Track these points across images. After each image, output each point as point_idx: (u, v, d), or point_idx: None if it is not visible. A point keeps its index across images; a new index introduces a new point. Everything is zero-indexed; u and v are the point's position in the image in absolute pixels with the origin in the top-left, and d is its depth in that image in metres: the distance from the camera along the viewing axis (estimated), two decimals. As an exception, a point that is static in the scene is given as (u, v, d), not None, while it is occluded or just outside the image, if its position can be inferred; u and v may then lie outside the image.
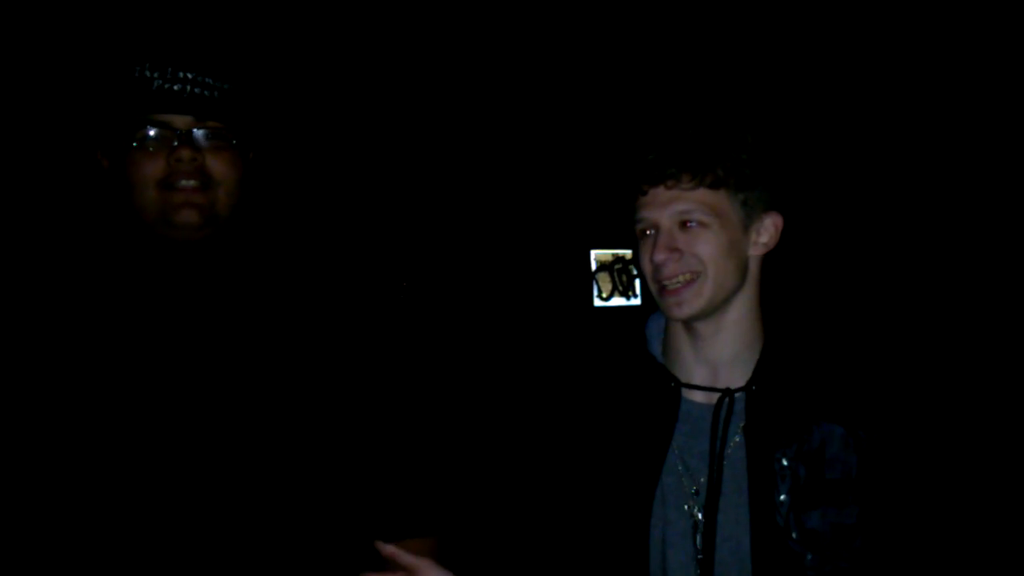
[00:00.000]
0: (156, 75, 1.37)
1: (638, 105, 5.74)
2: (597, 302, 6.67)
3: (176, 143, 1.37)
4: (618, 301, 6.69)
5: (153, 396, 1.39)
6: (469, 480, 1.72)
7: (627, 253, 6.67)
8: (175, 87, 1.37)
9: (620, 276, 6.68)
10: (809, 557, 1.36)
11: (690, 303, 1.40)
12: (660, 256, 1.39)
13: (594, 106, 6.11)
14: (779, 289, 1.53)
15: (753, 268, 1.46)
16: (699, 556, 1.38)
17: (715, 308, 1.42)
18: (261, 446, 1.42)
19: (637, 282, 6.65)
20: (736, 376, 1.44)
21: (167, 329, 1.42)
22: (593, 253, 6.68)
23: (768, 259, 1.49)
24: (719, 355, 1.45)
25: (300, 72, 5.01)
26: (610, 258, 6.69)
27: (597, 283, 6.70)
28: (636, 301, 6.67)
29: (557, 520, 1.46)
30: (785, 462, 1.38)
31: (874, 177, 5.92)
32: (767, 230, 1.45)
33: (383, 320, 1.61)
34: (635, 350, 1.52)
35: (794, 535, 1.36)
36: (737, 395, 1.42)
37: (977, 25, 5.25)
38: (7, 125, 4.28)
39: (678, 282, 1.40)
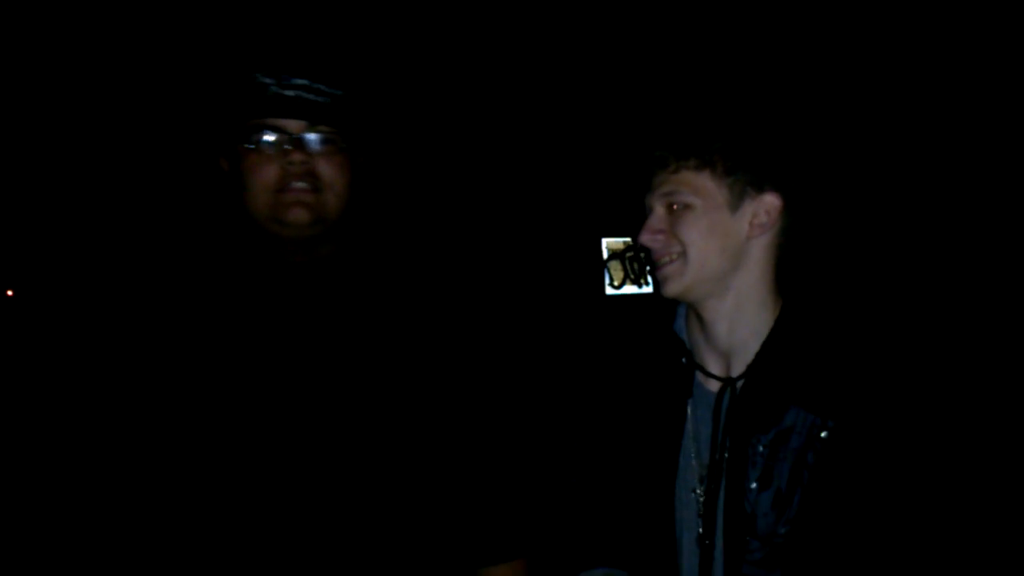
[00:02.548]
0: (271, 81, 1.40)
1: (646, 95, 5.79)
2: (609, 290, 6.72)
3: (289, 147, 1.40)
4: (630, 289, 6.74)
5: (263, 390, 1.42)
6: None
7: (639, 241, 6.71)
8: (288, 93, 1.40)
9: (632, 264, 6.70)
10: (756, 544, 1.37)
11: (672, 280, 1.42)
12: (644, 237, 1.44)
13: (604, 97, 6.15)
14: (798, 276, 1.50)
15: (754, 252, 1.44)
16: (703, 538, 1.40)
17: (707, 290, 1.43)
18: (364, 449, 1.44)
19: (648, 269, 6.71)
20: (742, 365, 1.44)
21: (279, 325, 1.45)
22: (604, 241, 6.72)
23: (790, 247, 1.47)
24: (725, 343, 1.45)
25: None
26: (621, 246, 6.72)
27: (609, 271, 6.74)
28: (648, 289, 6.72)
29: (587, 502, 1.51)
30: (761, 448, 1.38)
31: (902, 174, 5.88)
32: (764, 211, 1.43)
33: (476, 324, 1.60)
34: (660, 326, 1.54)
35: (758, 522, 1.37)
36: (739, 383, 1.43)
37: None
38: (135, 127, 4.27)
39: (664, 261, 1.43)
